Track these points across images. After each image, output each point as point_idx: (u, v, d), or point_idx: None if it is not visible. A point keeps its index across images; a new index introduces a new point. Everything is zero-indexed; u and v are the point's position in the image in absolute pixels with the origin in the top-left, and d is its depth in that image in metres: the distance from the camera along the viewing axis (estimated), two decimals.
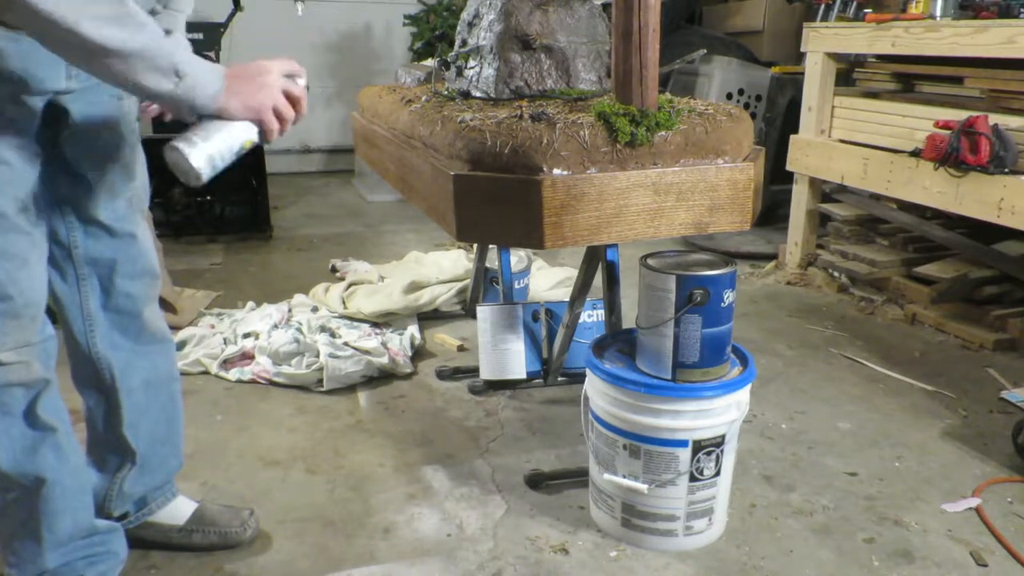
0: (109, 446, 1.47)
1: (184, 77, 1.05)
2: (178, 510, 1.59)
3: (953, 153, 2.39)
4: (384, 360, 2.34)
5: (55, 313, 1.34)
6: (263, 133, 1.18)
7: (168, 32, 1.10)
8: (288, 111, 1.20)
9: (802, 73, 3.25)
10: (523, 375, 2.13)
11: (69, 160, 1.28)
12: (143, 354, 1.46)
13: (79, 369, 1.43)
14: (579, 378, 1.81)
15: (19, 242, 1.19)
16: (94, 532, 1.38)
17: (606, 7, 1.72)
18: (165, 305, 2.59)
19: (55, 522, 1.32)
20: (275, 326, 2.53)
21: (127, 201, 1.38)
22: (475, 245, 2.72)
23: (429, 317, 2.77)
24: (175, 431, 1.56)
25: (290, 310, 2.71)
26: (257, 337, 2.45)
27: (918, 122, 2.63)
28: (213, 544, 1.57)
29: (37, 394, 1.25)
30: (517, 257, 2.59)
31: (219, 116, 1.14)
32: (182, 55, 1.05)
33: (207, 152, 1.13)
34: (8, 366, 1.20)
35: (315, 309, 2.73)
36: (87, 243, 1.35)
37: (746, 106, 3.99)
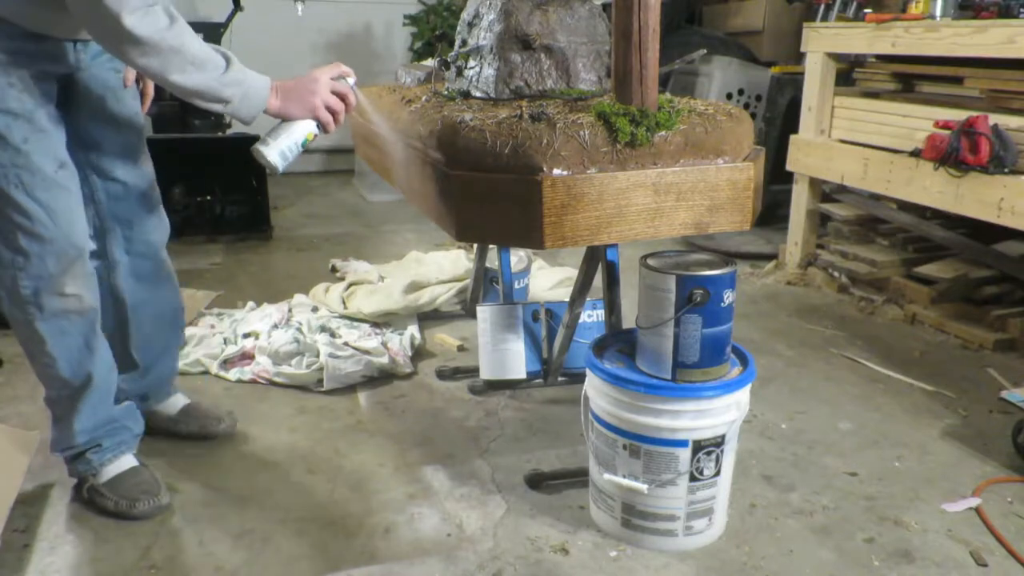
0: (116, 357, 1.73)
1: (231, 102, 1.40)
2: (174, 404, 1.96)
3: (953, 153, 2.39)
4: (384, 360, 2.34)
5: None
6: (321, 125, 1.52)
7: (228, 61, 1.39)
8: (338, 105, 1.52)
9: (802, 73, 3.25)
10: (523, 375, 2.13)
11: (82, 125, 1.58)
12: (156, 290, 1.79)
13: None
14: (579, 378, 1.81)
15: (60, 196, 1.47)
16: (111, 420, 1.69)
17: (606, 7, 1.72)
18: None
19: (82, 419, 1.64)
20: (275, 326, 2.53)
21: (137, 158, 1.68)
22: (475, 245, 2.72)
23: (429, 317, 2.77)
24: (173, 346, 1.92)
25: (290, 310, 2.71)
26: (257, 337, 2.45)
27: (918, 122, 2.63)
28: (193, 433, 1.94)
29: (91, 321, 1.58)
30: (517, 257, 2.59)
31: (283, 118, 1.50)
32: (230, 91, 1.39)
33: (278, 148, 1.49)
34: (67, 297, 1.51)
35: (315, 309, 2.73)
36: (109, 199, 1.66)
37: (746, 106, 4.00)
